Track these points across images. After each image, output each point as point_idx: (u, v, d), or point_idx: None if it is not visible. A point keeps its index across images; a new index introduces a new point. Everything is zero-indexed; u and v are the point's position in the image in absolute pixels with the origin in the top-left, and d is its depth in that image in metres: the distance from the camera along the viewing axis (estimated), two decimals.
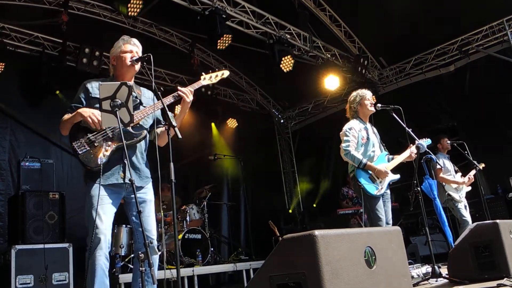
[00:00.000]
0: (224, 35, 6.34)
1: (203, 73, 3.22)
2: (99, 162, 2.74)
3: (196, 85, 3.16)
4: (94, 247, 2.64)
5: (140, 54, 3.04)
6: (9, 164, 6.26)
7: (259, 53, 7.69)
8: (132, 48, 3.04)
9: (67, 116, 2.87)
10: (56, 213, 5.47)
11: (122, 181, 2.79)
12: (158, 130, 3.06)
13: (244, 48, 7.63)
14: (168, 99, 2.97)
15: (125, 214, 3.00)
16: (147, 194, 3.00)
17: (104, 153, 2.77)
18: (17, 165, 5.71)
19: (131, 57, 2.97)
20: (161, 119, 3.11)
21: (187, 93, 3.02)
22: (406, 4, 7.37)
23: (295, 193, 10.37)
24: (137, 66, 3.01)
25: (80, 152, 2.74)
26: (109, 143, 2.80)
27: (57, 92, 6.78)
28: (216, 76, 3.25)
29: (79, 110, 2.80)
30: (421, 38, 8.12)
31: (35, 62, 6.70)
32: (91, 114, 2.76)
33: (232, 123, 9.64)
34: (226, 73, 3.29)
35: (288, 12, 7.42)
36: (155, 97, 2.89)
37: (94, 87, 2.95)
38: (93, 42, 6.71)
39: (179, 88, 3.03)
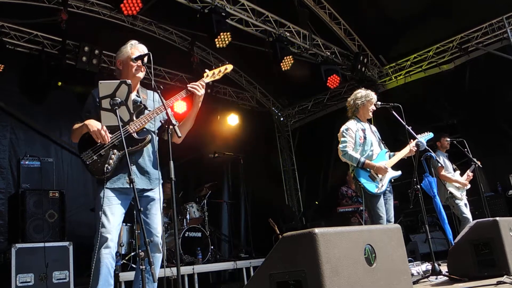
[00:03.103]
0: (221, 34, 6.28)
1: (206, 70, 3.18)
2: (105, 171, 2.81)
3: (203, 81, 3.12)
4: (100, 246, 2.68)
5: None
6: (9, 162, 6.27)
7: (259, 51, 7.67)
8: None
9: (76, 125, 2.91)
10: (56, 211, 5.48)
11: (128, 186, 2.75)
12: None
13: (244, 46, 7.62)
14: (180, 95, 3.01)
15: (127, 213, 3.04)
16: (156, 193, 3.02)
17: (109, 161, 2.82)
18: (17, 163, 5.70)
19: (136, 65, 2.96)
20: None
21: (198, 87, 3.02)
22: (406, 1, 7.36)
23: (294, 191, 10.37)
24: (142, 74, 3.02)
25: (88, 163, 2.81)
26: (115, 151, 2.85)
27: (59, 83, 6.74)
28: (220, 71, 3.21)
29: (86, 123, 2.83)
30: (420, 35, 8.11)
31: (34, 61, 6.69)
32: (96, 130, 2.79)
33: (232, 121, 9.64)
34: (229, 67, 3.25)
35: (287, 10, 7.40)
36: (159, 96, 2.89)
37: None
38: (93, 40, 6.68)
39: (188, 85, 3.03)
